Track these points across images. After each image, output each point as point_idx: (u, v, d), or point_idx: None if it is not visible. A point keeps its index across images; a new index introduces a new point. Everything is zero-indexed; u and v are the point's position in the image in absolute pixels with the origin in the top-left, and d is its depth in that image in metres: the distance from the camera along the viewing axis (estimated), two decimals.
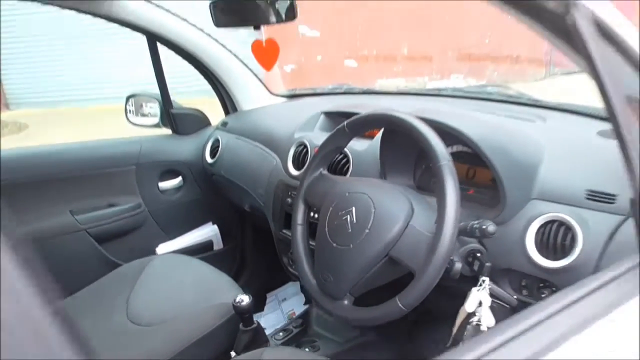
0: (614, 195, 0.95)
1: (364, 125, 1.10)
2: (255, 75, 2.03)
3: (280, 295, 2.12)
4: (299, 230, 1.14)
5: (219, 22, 1.26)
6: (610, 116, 0.74)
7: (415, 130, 0.97)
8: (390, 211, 0.97)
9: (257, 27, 1.23)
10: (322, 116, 1.58)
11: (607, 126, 1.03)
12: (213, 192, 1.99)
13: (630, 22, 0.77)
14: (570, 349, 0.60)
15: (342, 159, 1.37)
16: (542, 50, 6.81)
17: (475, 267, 0.99)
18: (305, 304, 1.92)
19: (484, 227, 0.91)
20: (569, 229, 0.97)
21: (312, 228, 1.17)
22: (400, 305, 0.89)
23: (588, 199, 0.98)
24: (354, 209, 1.00)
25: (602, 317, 0.66)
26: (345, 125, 1.12)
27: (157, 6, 1.71)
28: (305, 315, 1.68)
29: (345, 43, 7.39)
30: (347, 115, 1.27)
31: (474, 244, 1.01)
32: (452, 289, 1.05)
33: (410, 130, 0.98)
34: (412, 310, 0.91)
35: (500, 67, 7.56)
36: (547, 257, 0.98)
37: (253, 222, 2.09)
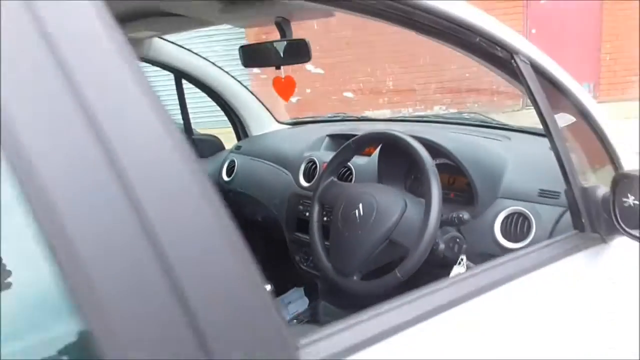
0: (558, 192, 1.25)
1: (367, 142, 1.42)
2: (264, 106, 2.35)
3: (285, 299, 2.39)
4: (316, 226, 1.44)
5: (246, 63, 1.57)
6: (547, 133, 1.06)
7: (409, 144, 1.27)
8: (389, 205, 1.27)
9: (277, 67, 1.54)
10: (327, 138, 1.90)
11: None
12: (227, 207, 2.27)
13: (555, 62, 1.09)
14: (511, 290, 0.89)
15: (346, 171, 1.68)
16: None
17: (455, 249, 1.29)
18: (309, 305, 2.18)
19: (460, 215, 1.21)
20: (525, 218, 1.27)
21: (324, 228, 1.47)
22: (398, 275, 1.18)
23: (540, 196, 1.29)
24: (360, 205, 1.30)
25: (535, 269, 0.95)
26: (352, 142, 1.43)
27: (185, 48, 2.03)
28: (313, 308, 1.95)
29: (342, 78, 7.89)
30: (348, 137, 1.58)
31: (454, 232, 1.31)
32: (437, 273, 1.34)
33: (405, 145, 1.29)
34: (405, 286, 1.20)
35: (481, 99, 7.99)
36: (510, 240, 1.28)
37: (262, 234, 2.37)
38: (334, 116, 2.43)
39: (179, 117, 2.23)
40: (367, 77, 8.20)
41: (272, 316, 0.51)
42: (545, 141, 1.46)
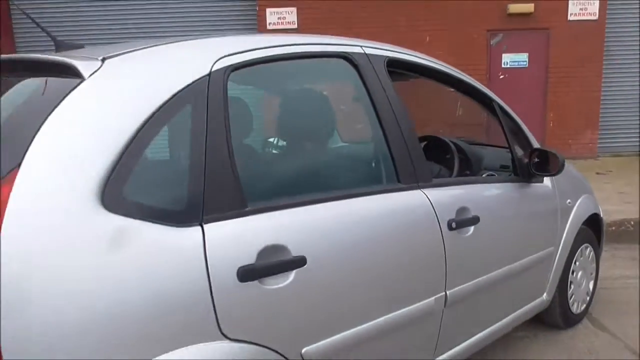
0: (508, 165, 2.76)
1: None
2: None
3: None
4: None
5: None
6: (506, 140, 2.59)
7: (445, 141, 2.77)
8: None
9: None
10: None
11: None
12: None
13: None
14: (490, 187, 2.40)
15: None
16: None
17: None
18: None
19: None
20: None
21: None
22: None
23: (500, 168, 2.80)
24: None
25: (499, 183, 2.47)
26: None
27: None
28: None
29: None
30: None
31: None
32: None
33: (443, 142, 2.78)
34: None
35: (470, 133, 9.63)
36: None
37: None
38: None
39: None
40: None
41: None
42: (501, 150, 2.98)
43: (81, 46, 1.80)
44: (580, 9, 8.99)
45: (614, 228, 5.19)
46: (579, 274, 3.15)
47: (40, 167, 1.17)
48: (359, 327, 1.71)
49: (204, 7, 9.12)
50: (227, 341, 1.38)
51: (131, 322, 1.22)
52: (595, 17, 8.99)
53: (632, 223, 5.37)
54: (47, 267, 1.14)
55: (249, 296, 1.42)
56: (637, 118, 9.56)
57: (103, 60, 1.37)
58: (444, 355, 2.18)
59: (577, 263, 3.11)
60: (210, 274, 1.34)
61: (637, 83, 9.49)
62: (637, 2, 9.24)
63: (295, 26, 8.83)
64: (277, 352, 1.49)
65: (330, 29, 8.51)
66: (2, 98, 1.46)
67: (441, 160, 2.74)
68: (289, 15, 8.84)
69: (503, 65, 9.23)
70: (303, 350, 1.56)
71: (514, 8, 8.84)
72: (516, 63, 9.23)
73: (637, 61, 9.41)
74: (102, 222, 1.21)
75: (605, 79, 9.27)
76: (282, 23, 8.85)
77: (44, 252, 1.14)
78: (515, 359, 2.85)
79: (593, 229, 3.29)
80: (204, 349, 1.33)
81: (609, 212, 5.23)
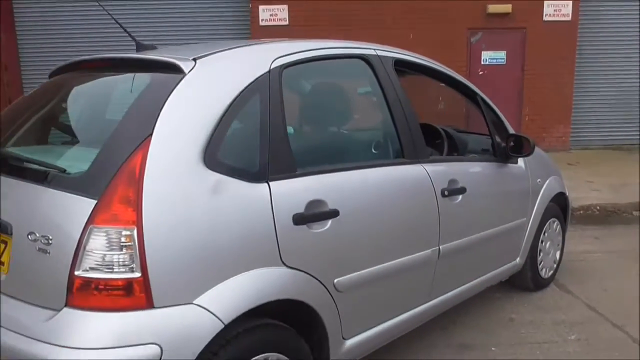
0: (488, 149, 3.29)
1: None
2: None
3: None
4: None
5: None
6: (487, 126, 3.12)
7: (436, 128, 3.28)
8: None
9: None
10: None
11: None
12: None
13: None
14: (475, 164, 2.93)
15: None
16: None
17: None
18: None
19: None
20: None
21: None
22: None
23: (482, 151, 3.33)
24: None
25: (480, 162, 3.01)
26: None
27: None
28: None
29: None
30: None
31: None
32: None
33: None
34: None
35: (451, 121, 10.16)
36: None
37: None
38: None
39: None
40: None
41: None
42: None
43: (154, 47, 2.27)
44: (555, 10, 9.59)
45: (581, 212, 5.80)
46: (547, 243, 3.71)
47: (165, 136, 1.65)
48: (375, 267, 2.22)
49: (199, 4, 9.50)
50: (285, 267, 1.87)
51: (227, 246, 1.72)
52: (569, 18, 9.61)
53: (598, 208, 5.99)
54: (172, 204, 1.62)
55: (300, 236, 1.92)
56: (606, 114, 10.23)
57: (195, 60, 1.85)
58: (436, 300, 2.70)
59: (546, 234, 3.66)
60: (275, 217, 1.84)
61: (607, 81, 10.16)
62: (608, 4, 9.89)
63: (287, 23, 9.27)
64: (317, 279, 1.98)
65: (319, 26, 9.00)
66: (122, 86, 1.94)
67: (433, 144, 3.25)
68: (281, 13, 9.28)
69: (482, 62, 9.79)
70: (335, 281, 2.06)
71: (493, 8, 9.41)
72: (495, 60, 9.80)
73: (608, 60, 10.07)
74: (204, 176, 1.70)
75: (577, 76, 9.91)
76: (274, 20, 9.30)
77: (170, 194, 1.62)
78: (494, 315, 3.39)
79: (560, 206, 3.84)
80: (270, 270, 1.83)
81: (578, 199, 5.84)
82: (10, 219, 1.74)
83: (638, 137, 10.18)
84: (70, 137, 2.16)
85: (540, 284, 3.71)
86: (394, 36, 9.11)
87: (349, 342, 2.20)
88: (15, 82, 9.59)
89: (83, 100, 2.26)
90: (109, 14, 2.53)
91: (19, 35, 9.61)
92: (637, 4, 9.87)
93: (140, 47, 2.25)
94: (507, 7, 9.40)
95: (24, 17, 9.61)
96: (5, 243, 1.77)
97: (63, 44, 9.67)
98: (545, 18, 9.59)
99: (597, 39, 9.99)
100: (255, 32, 9.26)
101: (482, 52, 9.72)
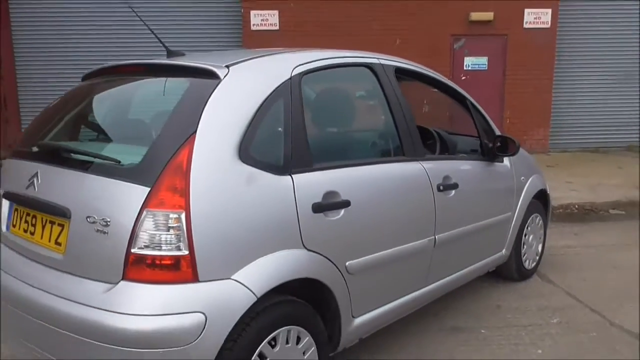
0: (477, 150, 3.59)
1: None
2: None
3: None
4: None
5: None
6: (476, 129, 3.42)
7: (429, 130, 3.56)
8: None
9: None
10: None
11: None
12: None
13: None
14: (466, 162, 3.23)
15: None
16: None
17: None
18: None
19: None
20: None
21: None
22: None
23: (471, 151, 3.62)
24: None
25: (470, 161, 3.30)
26: None
27: None
28: None
29: None
30: None
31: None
32: None
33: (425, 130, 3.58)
34: None
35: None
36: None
37: None
38: None
39: None
40: None
41: None
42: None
43: (183, 54, 2.52)
44: (535, 18, 10.00)
45: (561, 210, 6.14)
46: (530, 237, 4.02)
47: (207, 133, 1.90)
48: (381, 252, 2.49)
49: (192, 9, 9.72)
50: (306, 250, 2.13)
51: (258, 230, 1.97)
52: (548, 26, 10.03)
53: (576, 206, 6.35)
54: (214, 193, 1.87)
55: (318, 223, 2.18)
56: (584, 118, 10.67)
57: (228, 67, 2.10)
58: (432, 286, 2.98)
59: (529, 228, 3.97)
60: (297, 206, 2.10)
61: (584, 86, 10.60)
62: (586, 13, 10.33)
63: (277, 28, 9.54)
64: (332, 262, 2.25)
65: (308, 31, 9.29)
66: (161, 89, 2.19)
67: (426, 144, 3.53)
68: (272, 18, 9.55)
69: (465, 68, 10.16)
70: (347, 263, 2.32)
71: (476, 16, 9.79)
72: (477, 66, 10.18)
73: (585, 66, 10.51)
74: (239, 168, 1.95)
75: (556, 82, 10.34)
76: (265, 24, 9.56)
77: (212, 183, 1.87)
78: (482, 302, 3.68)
79: (542, 202, 4.16)
80: (294, 252, 2.09)
81: (558, 198, 6.19)
82: (67, 205, 1.97)
83: (613, 140, 10.64)
84: (114, 134, 2.39)
85: (524, 274, 4.01)
86: (381, 42, 9.45)
87: (357, 320, 2.47)
88: (10, 77, 9.72)
89: (124, 101, 2.50)
90: (143, 21, 2.78)
91: (13, 32, 9.73)
92: (613, 12, 10.33)
93: (170, 54, 2.49)
94: (489, 15, 9.79)
95: (19, 13, 9.73)
96: (62, 226, 2.01)
97: (57, 40, 9.84)
98: (526, 25, 10.01)
99: (575, 45, 10.44)
100: (246, 37, 9.52)
101: (465, 58, 10.09)
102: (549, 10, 9.97)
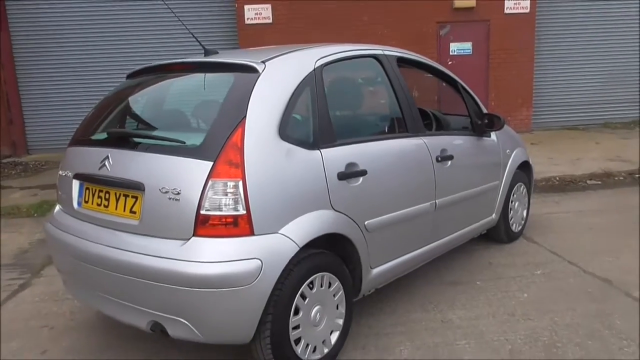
0: (467, 127, 4.08)
1: None
2: None
3: None
4: None
5: None
6: (467, 110, 3.91)
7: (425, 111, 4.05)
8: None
9: None
10: None
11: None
12: None
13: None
14: (457, 138, 3.72)
15: None
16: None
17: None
18: None
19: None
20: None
21: None
22: None
23: (463, 128, 4.12)
24: None
25: (461, 136, 3.80)
26: None
27: None
28: None
29: None
30: None
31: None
32: None
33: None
34: None
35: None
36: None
37: None
38: None
39: None
40: None
41: None
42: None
43: (216, 52, 2.97)
44: (515, 4, 10.50)
45: (544, 182, 6.70)
46: (516, 203, 4.53)
47: (254, 117, 2.36)
48: (393, 214, 2.98)
49: (188, 4, 10.09)
50: (333, 211, 2.61)
51: (297, 194, 2.45)
52: (527, 11, 10.53)
53: (557, 179, 6.90)
54: (263, 164, 2.34)
55: (342, 188, 2.66)
56: (563, 97, 11.25)
57: (264, 62, 2.56)
58: (434, 244, 3.48)
59: (515, 195, 4.48)
60: (326, 174, 2.57)
61: (564, 68, 11.16)
62: None
63: (270, 21, 9.95)
64: (354, 221, 2.73)
65: (301, 23, 9.73)
66: (209, 82, 2.66)
67: (424, 123, 4.03)
68: (265, 11, 9.95)
69: (451, 53, 10.65)
70: (366, 222, 2.80)
71: (459, 3, 10.26)
72: (462, 51, 10.67)
73: (563, 48, 11.07)
74: (280, 145, 2.42)
75: (537, 64, 10.88)
76: (259, 18, 9.96)
77: (261, 157, 2.34)
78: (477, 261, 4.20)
79: (525, 173, 4.67)
80: (325, 212, 2.57)
81: (541, 172, 6.74)
82: (141, 180, 2.42)
83: (591, 117, 11.24)
84: (171, 122, 2.85)
85: (511, 236, 4.54)
86: (371, 32, 9.93)
87: (375, 271, 2.96)
88: (11, 79, 10.04)
89: (176, 94, 2.96)
90: (182, 22, 3.21)
91: (12, 34, 10.04)
92: None
93: (207, 52, 2.95)
94: (471, 2, 10.28)
95: (16, 16, 10.03)
96: (136, 198, 2.46)
97: (55, 42, 10.17)
98: (506, 11, 10.50)
99: (553, 29, 10.99)
100: (241, 30, 9.92)
101: (451, 44, 10.58)
102: None
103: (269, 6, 9.92)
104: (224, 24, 10.28)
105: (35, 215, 6.22)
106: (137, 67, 3.08)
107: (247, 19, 9.94)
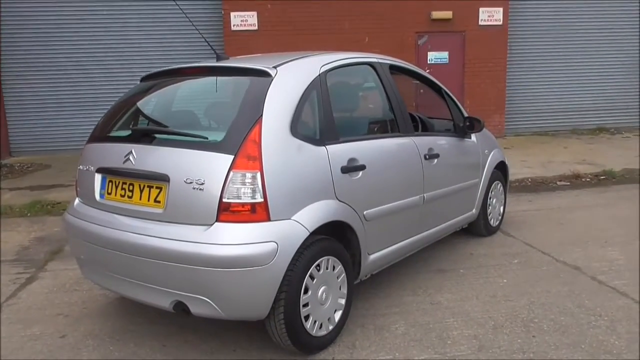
0: (450, 129, 4.43)
1: None
2: None
3: None
4: None
5: None
6: (451, 114, 4.27)
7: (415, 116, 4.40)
8: None
9: None
10: None
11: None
12: None
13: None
14: (444, 138, 4.07)
15: None
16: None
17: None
18: None
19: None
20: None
21: None
22: None
23: (445, 130, 4.48)
24: None
25: (446, 137, 4.15)
26: None
27: None
28: None
29: None
30: None
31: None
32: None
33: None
34: None
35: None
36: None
37: None
38: None
39: None
40: None
41: None
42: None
43: (227, 57, 3.26)
44: (488, 16, 11.02)
45: (517, 184, 7.12)
46: (494, 200, 4.91)
47: (269, 116, 2.66)
48: (388, 205, 3.31)
49: (174, 9, 10.29)
50: (337, 201, 2.92)
51: (306, 185, 2.74)
52: (500, 23, 11.06)
53: (530, 180, 7.33)
54: (278, 158, 2.64)
55: (345, 181, 2.97)
56: (534, 105, 11.80)
57: (275, 67, 2.87)
58: (422, 234, 3.81)
59: (492, 192, 4.86)
60: (331, 168, 2.88)
61: (534, 76, 11.72)
62: (533, 10, 11.42)
63: (256, 28, 10.25)
64: (355, 210, 3.04)
65: (285, 30, 10.04)
66: (226, 85, 2.95)
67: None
68: (251, 18, 10.24)
69: (429, 62, 11.09)
70: (364, 212, 3.12)
71: (437, 15, 10.72)
72: (439, 60, 11.13)
73: (534, 58, 11.62)
74: (292, 141, 2.72)
75: (509, 73, 11.41)
76: (245, 25, 10.24)
77: (276, 151, 2.63)
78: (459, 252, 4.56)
79: (502, 172, 5.06)
80: (330, 202, 2.87)
81: (515, 174, 7.17)
82: (166, 172, 2.69)
83: (560, 124, 11.82)
84: (190, 120, 3.12)
85: (490, 230, 4.91)
86: (352, 40, 10.30)
87: (371, 257, 3.27)
88: None
89: (191, 95, 3.24)
90: (197, 29, 3.51)
91: (3, 37, 10.10)
92: (558, 9, 11.45)
93: (219, 58, 3.24)
94: (448, 14, 10.75)
95: (7, 18, 10.10)
96: (160, 188, 2.73)
97: (39, 45, 10.27)
98: (481, 23, 11.02)
99: (524, 40, 11.55)
100: (227, 36, 10.18)
101: (428, 53, 11.03)
102: (501, 9, 11.00)
103: (254, 14, 10.21)
104: (211, 31, 10.52)
105: (29, 214, 6.36)
106: (153, 70, 3.34)
107: (234, 25, 10.21)
